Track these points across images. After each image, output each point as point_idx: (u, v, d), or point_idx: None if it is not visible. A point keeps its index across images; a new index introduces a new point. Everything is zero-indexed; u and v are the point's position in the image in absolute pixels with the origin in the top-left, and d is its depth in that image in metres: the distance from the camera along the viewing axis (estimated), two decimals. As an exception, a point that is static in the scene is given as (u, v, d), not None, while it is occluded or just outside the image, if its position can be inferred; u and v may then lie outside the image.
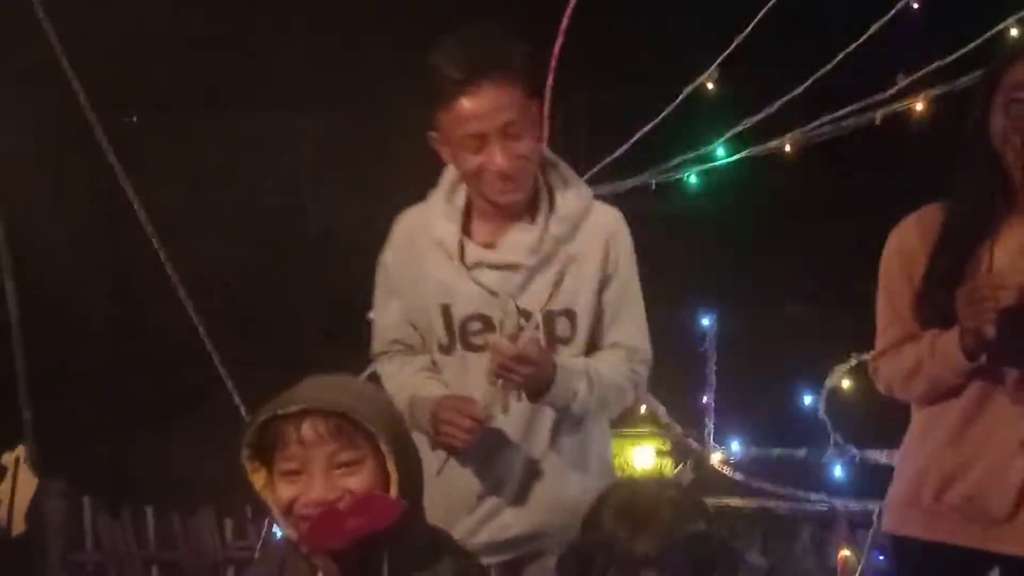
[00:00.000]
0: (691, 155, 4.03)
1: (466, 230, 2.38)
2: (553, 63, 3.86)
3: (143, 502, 4.33)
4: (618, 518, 1.89)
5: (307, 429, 1.90)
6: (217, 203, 6.62)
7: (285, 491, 1.93)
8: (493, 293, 2.34)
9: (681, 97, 3.90)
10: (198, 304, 3.67)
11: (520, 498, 2.37)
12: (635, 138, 3.91)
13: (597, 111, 6.36)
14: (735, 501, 3.82)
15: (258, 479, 1.97)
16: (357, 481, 1.91)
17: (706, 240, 5.81)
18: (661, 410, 4.01)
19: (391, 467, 1.92)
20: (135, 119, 7.16)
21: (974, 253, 2.26)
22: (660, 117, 3.86)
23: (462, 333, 2.38)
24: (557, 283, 2.30)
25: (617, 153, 3.94)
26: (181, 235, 4.08)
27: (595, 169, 3.83)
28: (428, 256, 2.39)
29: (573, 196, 2.36)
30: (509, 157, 2.24)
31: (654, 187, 4.06)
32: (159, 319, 4.70)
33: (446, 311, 2.37)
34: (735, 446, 3.92)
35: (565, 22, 3.78)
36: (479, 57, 2.22)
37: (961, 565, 2.30)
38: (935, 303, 2.27)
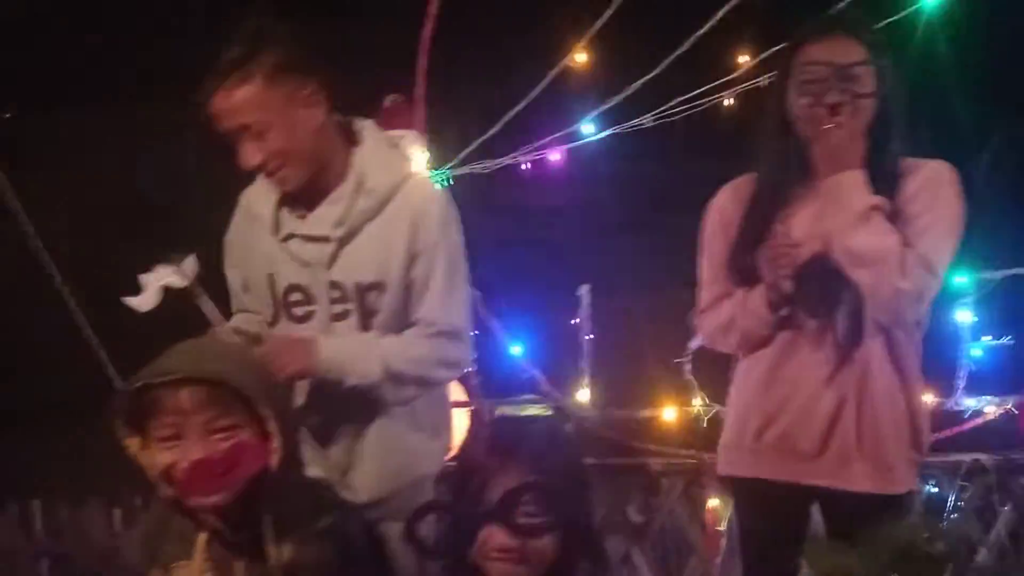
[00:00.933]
0: (559, 134, 4.20)
1: (288, 202, 2.48)
2: (425, 47, 4.00)
3: (30, 496, 4.29)
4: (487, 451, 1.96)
5: (185, 397, 1.94)
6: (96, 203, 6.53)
7: (163, 457, 1.97)
8: (306, 264, 2.44)
9: (547, 79, 4.06)
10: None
11: (361, 466, 2.47)
12: (503, 120, 4.05)
13: (472, 97, 6.51)
14: (613, 460, 3.99)
15: (132, 445, 2.00)
16: (235, 445, 1.96)
17: (587, 221, 6.03)
18: (541, 378, 4.16)
19: (272, 428, 1.98)
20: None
21: (775, 218, 2.46)
22: (526, 100, 4.00)
23: (284, 304, 2.48)
24: (365, 256, 2.40)
25: (487, 135, 4.07)
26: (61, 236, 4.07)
27: (465, 152, 3.97)
28: (253, 229, 2.51)
29: (382, 172, 2.45)
30: (256, 154, 2.36)
31: (526, 167, 4.22)
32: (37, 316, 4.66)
33: (271, 281, 2.48)
34: (612, 409, 4.10)
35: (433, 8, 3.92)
36: (224, 60, 2.34)
37: (785, 499, 2.50)
38: (744, 264, 2.49)
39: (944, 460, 3.61)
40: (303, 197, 2.45)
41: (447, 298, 2.45)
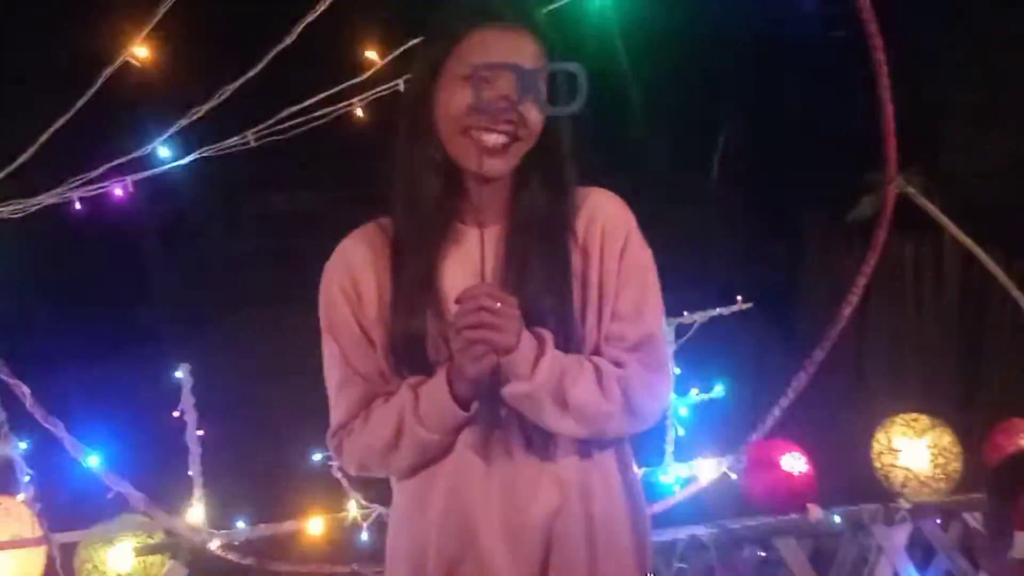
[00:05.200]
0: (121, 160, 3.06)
1: None
2: None
3: None
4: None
5: None
6: None
7: None
8: None
9: (97, 85, 2.90)
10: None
11: None
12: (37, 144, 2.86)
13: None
14: (247, 594, 3.01)
15: None
16: None
17: (175, 277, 4.68)
18: (136, 495, 3.06)
19: None
20: None
21: (433, 277, 1.84)
22: (68, 115, 2.84)
23: None
24: None
25: (13, 165, 2.88)
26: None
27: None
28: None
29: None
30: None
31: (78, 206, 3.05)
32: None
33: None
34: (240, 524, 3.09)
35: None
36: None
37: None
38: (406, 342, 1.83)
39: (658, 540, 2.99)
40: None
41: None
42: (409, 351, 1.83)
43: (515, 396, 1.79)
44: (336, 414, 1.92)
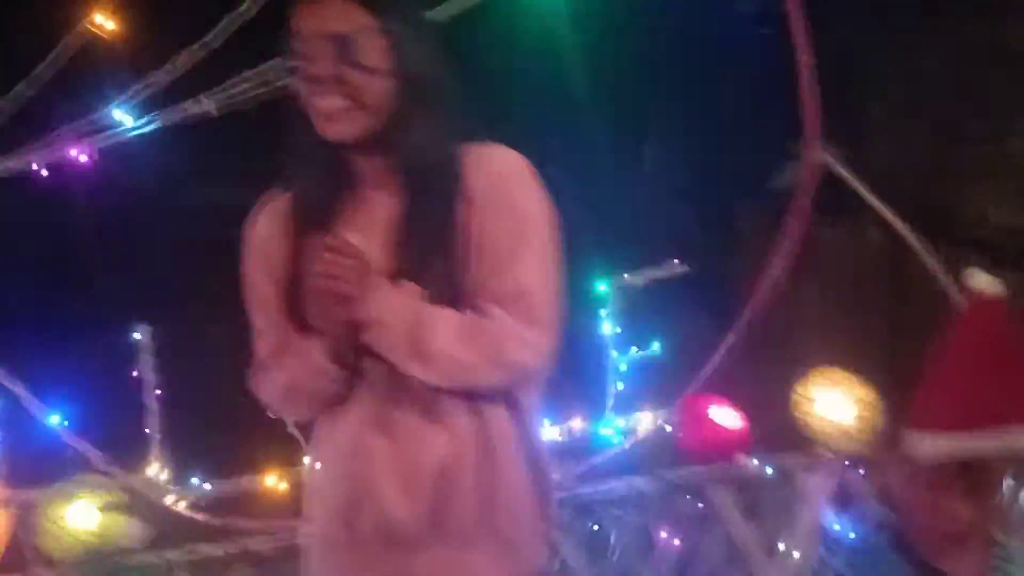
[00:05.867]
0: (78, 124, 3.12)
1: None
2: None
3: None
4: None
5: None
6: None
7: None
8: None
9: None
10: None
11: None
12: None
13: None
14: (206, 549, 3.11)
15: None
16: None
17: (135, 240, 4.70)
18: (95, 453, 3.15)
19: None
20: None
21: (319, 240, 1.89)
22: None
23: None
24: None
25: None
26: None
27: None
28: None
29: None
30: None
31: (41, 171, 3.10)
32: None
33: None
34: (195, 483, 3.19)
35: None
36: None
37: None
38: (298, 305, 1.91)
39: (599, 491, 3.17)
40: None
41: None
42: (308, 311, 1.90)
43: (375, 346, 1.86)
44: (257, 356, 2.02)
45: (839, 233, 5.77)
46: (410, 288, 1.87)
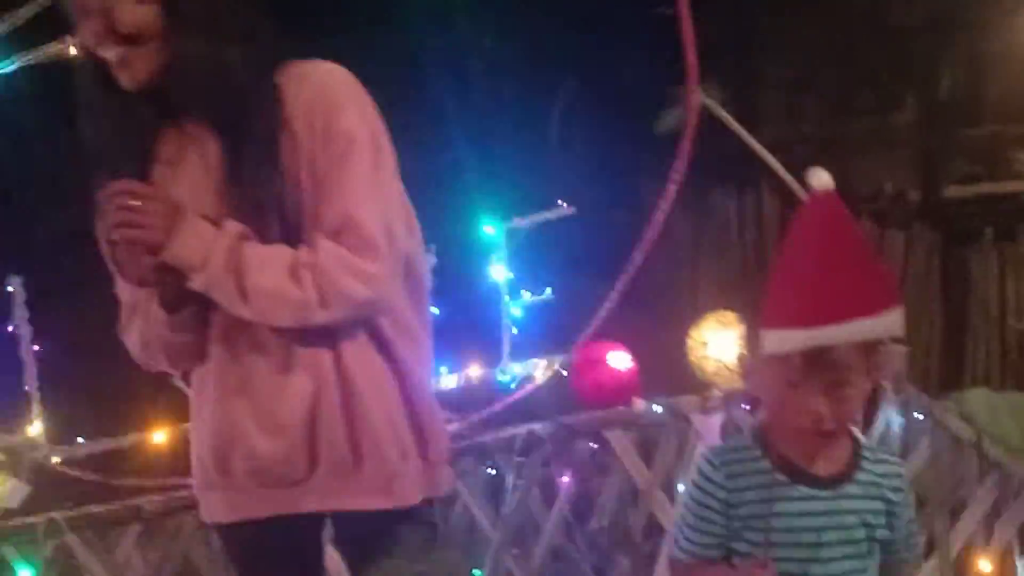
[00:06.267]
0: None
1: None
2: None
3: None
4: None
5: None
6: None
7: None
8: None
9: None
10: None
11: None
12: None
13: None
14: (92, 509, 2.99)
15: None
16: None
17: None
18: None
19: None
20: None
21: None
22: None
23: None
24: None
25: None
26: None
27: None
28: None
29: None
30: None
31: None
32: None
33: None
34: (77, 441, 3.07)
35: None
36: None
37: (282, 536, 1.97)
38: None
39: (498, 437, 3.17)
40: None
41: None
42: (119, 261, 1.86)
43: (202, 291, 1.81)
44: (121, 314, 2.00)
45: (737, 198, 5.97)
46: (231, 227, 1.80)
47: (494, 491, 3.16)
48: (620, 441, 3.29)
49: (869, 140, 6.39)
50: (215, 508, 2.01)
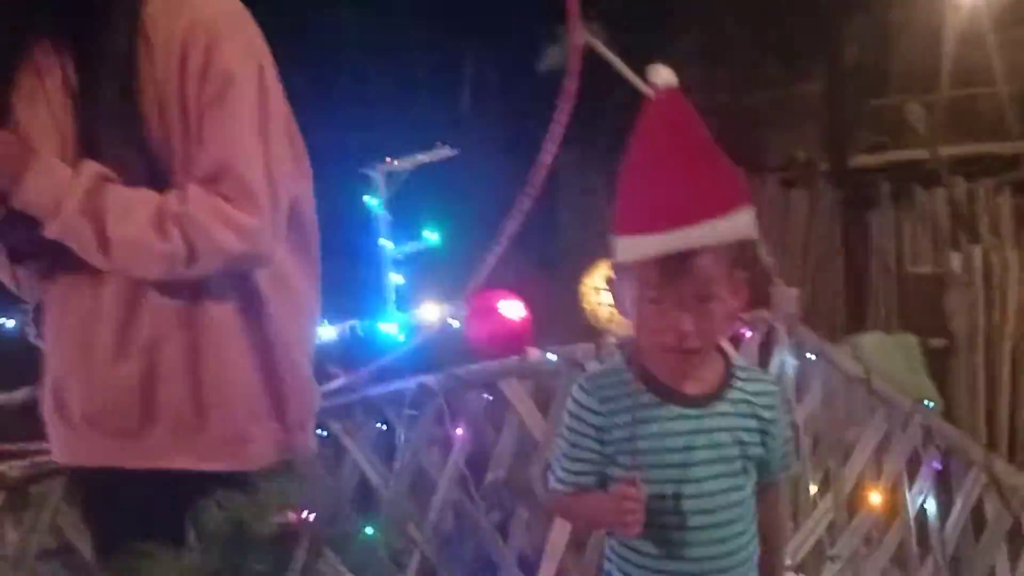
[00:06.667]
0: None
1: None
2: None
3: None
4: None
5: None
6: None
7: None
8: None
9: None
10: None
11: None
12: None
13: None
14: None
15: None
16: None
17: None
18: None
19: None
20: None
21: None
22: None
23: None
24: None
25: None
26: None
27: None
28: None
29: None
30: None
31: None
32: None
33: None
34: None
35: None
36: None
37: (123, 487, 1.88)
38: None
39: (388, 391, 3.06)
40: None
41: None
42: None
43: (55, 237, 1.69)
44: None
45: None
46: (89, 167, 1.66)
47: (385, 446, 3.05)
48: (515, 390, 3.21)
49: (779, 110, 6.47)
50: (55, 448, 1.97)
